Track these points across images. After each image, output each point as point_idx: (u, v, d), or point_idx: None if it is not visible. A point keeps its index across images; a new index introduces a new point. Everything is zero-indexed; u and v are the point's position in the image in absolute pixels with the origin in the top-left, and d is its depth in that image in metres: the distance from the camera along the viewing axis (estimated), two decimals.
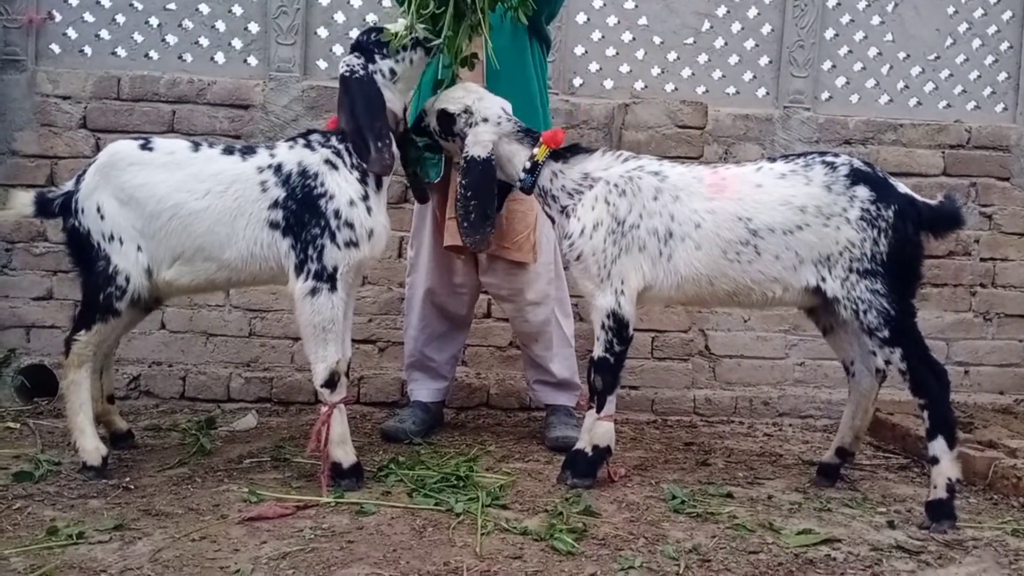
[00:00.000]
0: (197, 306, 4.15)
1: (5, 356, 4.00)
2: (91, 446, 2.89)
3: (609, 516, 2.68)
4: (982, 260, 4.47)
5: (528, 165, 2.96)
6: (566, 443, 3.28)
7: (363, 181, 2.83)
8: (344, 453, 2.85)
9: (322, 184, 2.80)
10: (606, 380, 2.92)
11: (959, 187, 4.40)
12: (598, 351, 2.91)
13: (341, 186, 2.80)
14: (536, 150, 2.96)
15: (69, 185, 2.95)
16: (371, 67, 2.88)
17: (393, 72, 2.90)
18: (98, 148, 4.08)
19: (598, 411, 2.94)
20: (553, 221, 3.06)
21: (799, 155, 2.92)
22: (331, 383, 2.82)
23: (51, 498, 2.69)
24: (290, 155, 2.85)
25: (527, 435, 3.74)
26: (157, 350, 4.16)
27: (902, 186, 2.82)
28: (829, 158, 2.84)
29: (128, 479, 2.87)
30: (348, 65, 2.88)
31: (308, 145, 2.87)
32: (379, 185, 2.89)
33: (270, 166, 2.83)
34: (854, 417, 3.08)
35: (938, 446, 2.67)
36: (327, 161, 2.83)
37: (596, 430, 2.95)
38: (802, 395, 4.32)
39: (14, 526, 2.44)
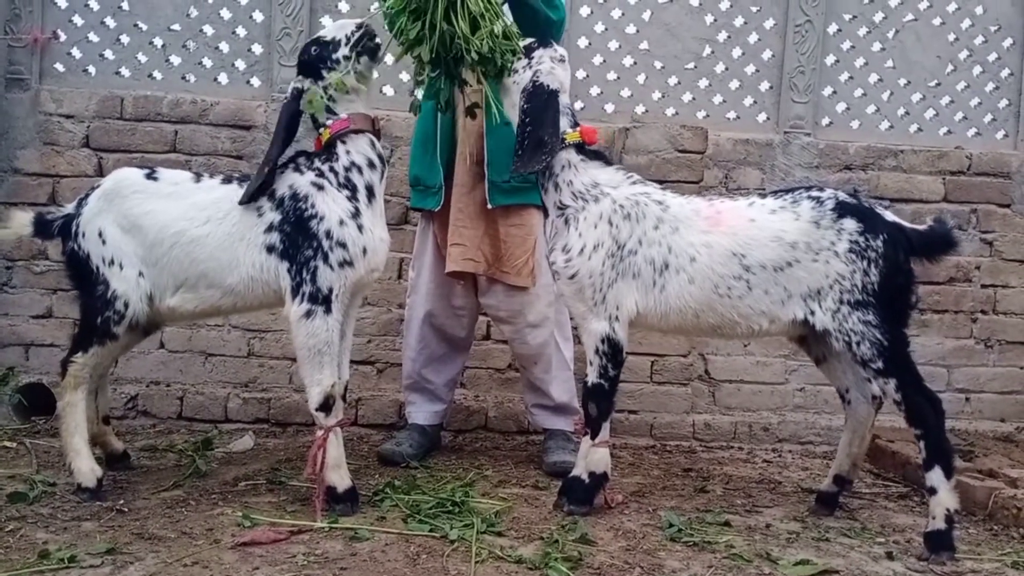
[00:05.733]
0: (196, 326, 4.14)
1: (3, 374, 3.99)
2: (86, 467, 2.88)
3: (605, 544, 2.66)
4: (983, 287, 4.45)
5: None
6: (564, 468, 3.26)
7: (353, 198, 2.83)
8: (339, 477, 2.84)
9: (312, 206, 2.80)
10: (601, 406, 2.91)
11: (960, 213, 4.40)
12: (592, 377, 2.91)
13: (330, 206, 2.80)
14: (570, 130, 2.94)
15: (69, 208, 2.96)
16: (321, 83, 2.86)
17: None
18: (100, 167, 4.10)
19: (593, 437, 2.93)
20: (545, 214, 3.03)
21: (787, 190, 2.94)
22: (326, 407, 2.81)
23: (44, 520, 2.68)
24: (281, 179, 2.86)
25: (525, 459, 3.72)
26: (155, 369, 4.15)
27: (890, 214, 2.83)
28: (815, 192, 2.86)
29: (122, 501, 2.86)
30: (291, 87, 2.91)
31: (297, 168, 2.87)
32: (371, 198, 2.87)
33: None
34: (851, 445, 3.07)
35: (935, 476, 2.65)
36: (314, 183, 2.83)
37: (592, 456, 2.93)
38: (802, 421, 4.30)
39: (6, 548, 2.43)
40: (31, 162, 4.13)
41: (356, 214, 2.81)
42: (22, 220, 2.95)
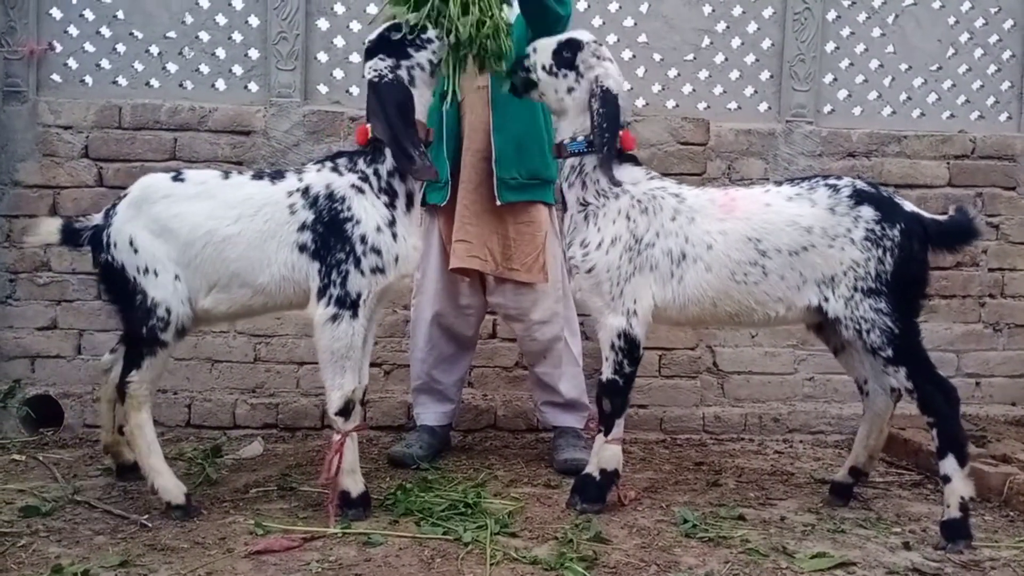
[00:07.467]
0: (202, 332, 4.12)
1: (10, 387, 3.98)
2: (171, 484, 2.83)
3: (620, 542, 2.65)
4: (990, 270, 4.43)
5: (591, 138, 2.89)
6: (574, 466, 3.25)
7: (391, 205, 2.80)
8: (353, 482, 2.82)
9: (349, 208, 2.77)
10: (615, 403, 2.89)
11: (965, 197, 4.37)
12: (607, 373, 2.89)
13: (368, 211, 2.77)
14: None
15: (98, 219, 2.91)
16: (404, 63, 2.80)
17: (431, 63, 2.83)
18: (100, 177, 4.09)
19: (606, 434, 2.91)
20: (565, 207, 3.01)
21: (804, 179, 2.93)
22: (346, 411, 2.79)
23: (57, 534, 2.67)
24: (318, 178, 2.83)
25: (535, 457, 3.71)
26: (162, 377, 4.11)
27: (909, 204, 2.81)
28: (832, 180, 2.85)
29: (135, 513, 2.84)
30: (375, 70, 2.79)
31: (335, 168, 2.84)
32: (409, 207, 2.85)
33: (298, 189, 2.82)
34: (868, 437, 3.04)
35: (949, 464, 2.64)
36: (354, 185, 2.80)
37: (603, 454, 2.92)
38: (812, 410, 4.28)
39: (19, 564, 2.42)
40: (31, 174, 4.11)
41: (393, 222, 2.79)
42: (50, 228, 2.90)
